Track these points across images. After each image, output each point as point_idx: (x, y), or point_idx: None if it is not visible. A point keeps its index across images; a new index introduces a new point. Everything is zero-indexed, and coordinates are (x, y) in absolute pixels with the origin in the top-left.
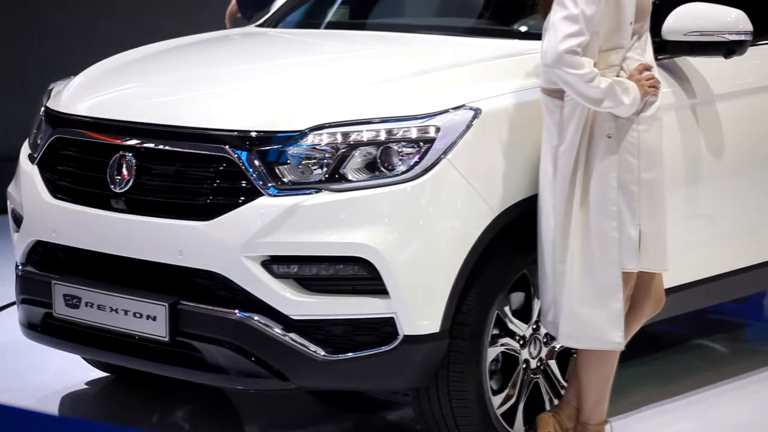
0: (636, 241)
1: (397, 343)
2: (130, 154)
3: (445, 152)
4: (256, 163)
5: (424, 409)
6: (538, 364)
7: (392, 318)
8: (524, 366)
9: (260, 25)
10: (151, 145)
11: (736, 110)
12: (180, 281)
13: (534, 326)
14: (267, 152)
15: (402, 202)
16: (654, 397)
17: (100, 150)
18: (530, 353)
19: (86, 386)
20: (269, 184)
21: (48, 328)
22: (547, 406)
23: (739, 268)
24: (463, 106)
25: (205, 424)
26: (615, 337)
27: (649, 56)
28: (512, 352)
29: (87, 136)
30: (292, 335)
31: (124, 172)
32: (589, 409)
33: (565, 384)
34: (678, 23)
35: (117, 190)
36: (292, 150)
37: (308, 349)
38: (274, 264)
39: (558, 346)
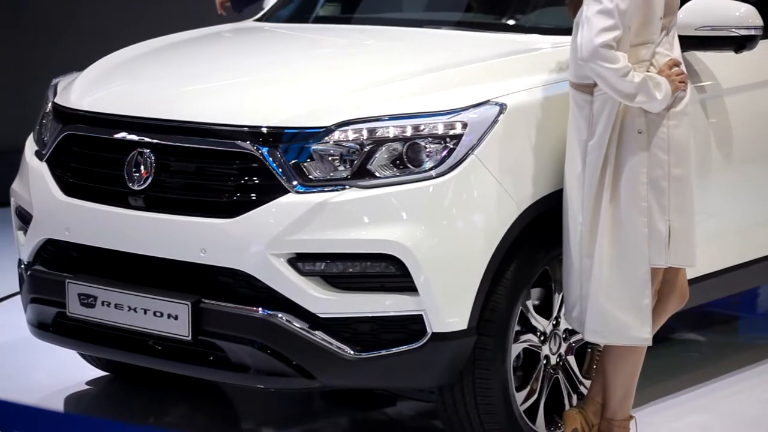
0: (666, 236)
1: (425, 340)
2: (149, 151)
3: (473, 148)
4: (282, 159)
5: (447, 408)
6: (558, 360)
7: (421, 315)
8: (544, 362)
9: (258, 20)
10: (172, 142)
11: (745, 103)
12: (201, 279)
13: (554, 322)
14: (293, 148)
15: (430, 198)
16: (660, 391)
17: (116, 147)
18: (550, 349)
19: (86, 383)
20: (295, 181)
21: (60, 328)
22: (566, 402)
23: (748, 261)
24: (488, 101)
25: (204, 422)
26: (643, 333)
27: (677, 51)
28: (534, 349)
29: (102, 133)
30: (319, 333)
31: (143, 169)
32: (615, 405)
33: (582, 380)
34: (689, 18)
35: (135, 188)
36: (318, 146)
37: (336, 347)
38: (300, 261)
39: (575, 342)
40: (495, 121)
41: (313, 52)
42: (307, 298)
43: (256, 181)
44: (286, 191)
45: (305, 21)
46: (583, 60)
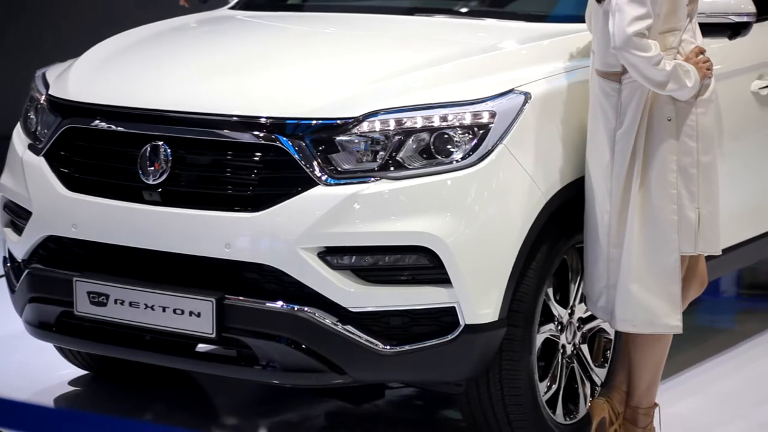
0: (695, 224)
1: (457, 333)
2: (164, 144)
3: (501, 137)
4: (310, 151)
5: (471, 400)
6: (572, 349)
7: (453, 307)
8: (561, 352)
9: (232, 8)
10: (191, 135)
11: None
12: (224, 275)
13: (569, 311)
14: (321, 140)
15: (462, 189)
16: None
17: (127, 140)
18: (566, 338)
19: (72, 380)
20: (324, 173)
21: (64, 328)
22: (580, 391)
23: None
24: (512, 90)
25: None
26: (673, 321)
27: (699, 39)
28: (553, 338)
29: (111, 126)
30: (350, 328)
31: (158, 163)
32: (641, 393)
33: (594, 368)
34: None
35: (150, 182)
36: (346, 137)
37: (367, 341)
38: (330, 255)
39: (587, 331)
40: (521, 110)
41: (319, 41)
42: (338, 293)
43: (283, 174)
44: (314, 184)
45: (278, 9)
46: (616, 49)
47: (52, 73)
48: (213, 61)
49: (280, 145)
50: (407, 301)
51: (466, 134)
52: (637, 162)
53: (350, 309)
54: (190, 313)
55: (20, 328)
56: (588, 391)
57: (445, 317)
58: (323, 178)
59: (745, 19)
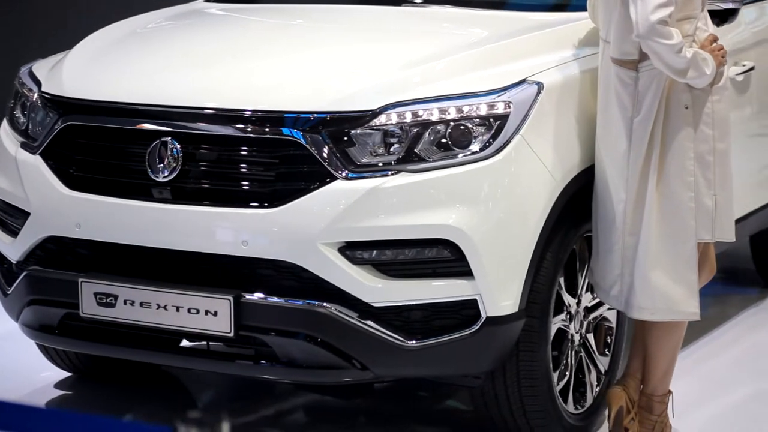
0: (712, 211)
1: (479, 325)
2: (174, 141)
3: (518, 128)
4: (327, 145)
5: (486, 392)
6: (580, 338)
7: (475, 300)
8: (571, 341)
9: (208, 0)
10: (202, 131)
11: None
12: (239, 273)
13: (576, 300)
14: (338, 133)
15: (482, 180)
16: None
17: (133, 137)
18: (574, 328)
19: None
20: (343, 167)
21: (67, 330)
22: (587, 380)
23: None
24: (525, 80)
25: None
26: (691, 308)
27: (711, 26)
28: (564, 328)
29: (115, 123)
30: (371, 323)
31: (168, 159)
32: (656, 380)
33: (599, 357)
34: None
35: (159, 179)
36: (364, 130)
37: (390, 336)
38: (351, 250)
39: (593, 319)
40: (535, 100)
41: (320, 34)
42: (360, 288)
43: (300, 169)
44: (333, 178)
45: (259, 2)
46: (640, 37)
47: (41, 68)
48: (217, 54)
49: (296, 139)
50: (429, 295)
51: (483, 126)
52: (655, 150)
53: (372, 304)
54: (206, 312)
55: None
56: (594, 380)
57: (467, 310)
58: (342, 172)
59: (731, 5)
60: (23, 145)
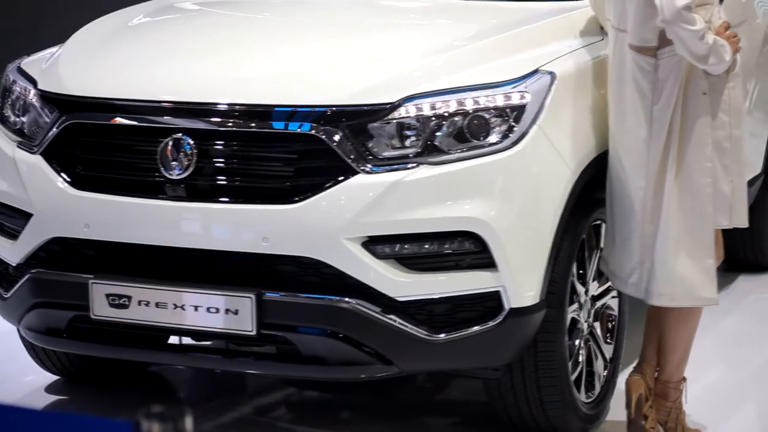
0: (729, 196)
1: (502, 317)
2: (187, 137)
3: (535, 118)
4: (347, 139)
5: (503, 384)
6: (588, 327)
7: (498, 292)
8: (581, 330)
9: None
10: (217, 127)
11: None
12: (259, 270)
13: (585, 289)
14: (357, 127)
15: (504, 171)
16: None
17: (144, 135)
18: (583, 317)
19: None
20: (364, 161)
21: (76, 333)
22: (595, 369)
23: None
24: (538, 70)
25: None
26: (710, 293)
27: (722, 13)
28: (576, 318)
29: (125, 121)
30: (396, 317)
31: (181, 157)
32: (672, 367)
33: (604, 345)
34: None
35: (173, 177)
36: (384, 123)
37: (414, 330)
38: (374, 244)
39: (599, 308)
40: (549, 90)
41: (328, 27)
42: (384, 282)
43: (320, 164)
44: (354, 172)
45: None
46: (666, 22)
47: (32, 66)
48: (227, 48)
49: (315, 134)
50: (452, 288)
51: (501, 117)
52: (674, 136)
53: (396, 298)
54: (227, 311)
55: None
56: (601, 369)
57: (489, 302)
58: (364, 166)
59: None
60: (21, 145)
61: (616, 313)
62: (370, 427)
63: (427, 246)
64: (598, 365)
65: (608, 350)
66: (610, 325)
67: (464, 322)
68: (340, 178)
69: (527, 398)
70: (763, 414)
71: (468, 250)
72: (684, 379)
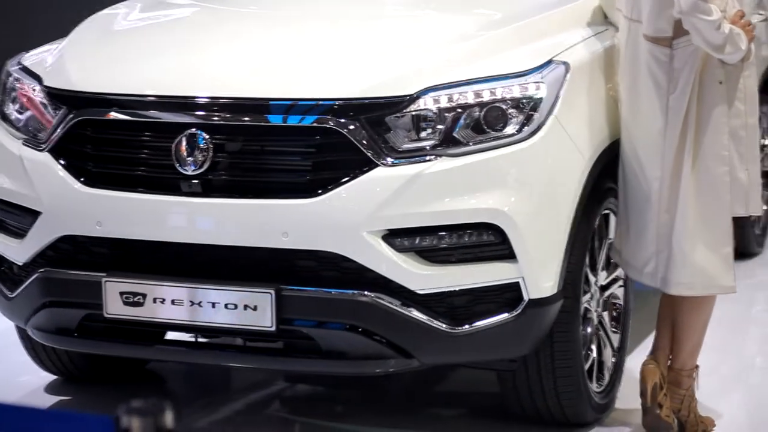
0: (745, 185)
1: (521, 308)
2: (203, 132)
3: (551, 109)
4: (366, 132)
5: (518, 376)
6: (597, 317)
7: (517, 283)
8: (592, 320)
9: None
10: (234, 122)
11: None
12: (277, 265)
13: (595, 279)
14: (376, 120)
15: (522, 162)
16: None
17: (157, 130)
18: (594, 306)
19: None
20: (384, 154)
21: (88, 332)
22: (605, 359)
23: None
24: (552, 60)
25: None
26: (728, 281)
27: (736, 2)
28: (588, 307)
29: (136, 116)
30: (418, 310)
31: (197, 152)
32: (686, 355)
33: (611, 335)
34: None
35: (189, 173)
36: (403, 116)
37: (435, 323)
38: (394, 237)
39: (606, 298)
40: (564, 80)
41: (342, 18)
42: (406, 275)
43: (339, 157)
44: (374, 165)
45: None
46: (683, 13)
47: (34, 62)
48: (240, 41)
49: (334, 127)
50: (472, 280)
51: (518, 107)
52: (691, 126)
53: (417, 291)
54: (245, 307)
55: None
56: (609, 358)
57: (509, 293)
58: (383, 159)
59: None
60: (26, 142)
61: (621, 302)
62: (368, 419)
63: (446, 238)
64: (607, 354)
65: (615, 339)
66: (615, 314)
67: (483, 314)
68: (361, 172)
69: (542, 389)
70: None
71: (488, 241)
72: (697, 366)
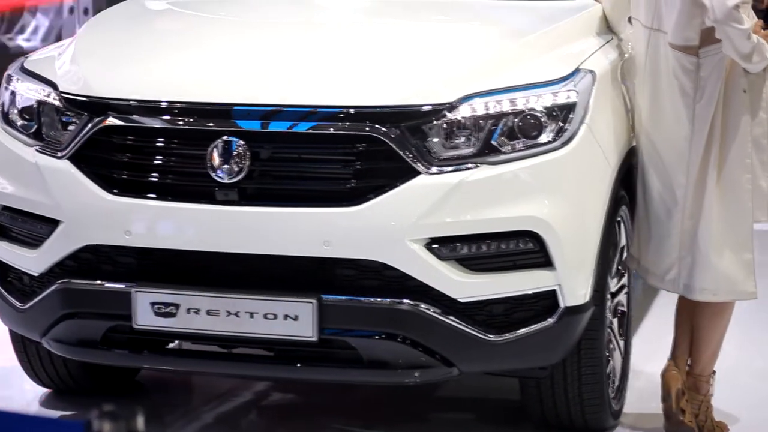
0: (766, 193)
1: (557, 316)
2: (238, 140)
3: (584, 117)
4: (407, 139)
5: (543, 383)
6: (609, 323)
7: (554, 290)
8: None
9: None
10: (272, 129)
11: None
12: (318, 274)
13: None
14: (417, 127)
15: (559, 170)
16: None
17: (191, 137)
18: (608, 313)
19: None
20: (426, 162)
21: (113, 344)
22: (617, 365)
23: None
24: (579, 69)
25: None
26: (750, 287)
27: (752, 13)
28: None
29: (168, 123)
30: (459, 319)
31: (233, 160)
32: (705, 361)
33: (619, 341)
34: None
35: (226, 181)
36: (443, 123)
37: (475, 331)
38: (436, 245)
39: (615, 304)
40: (592, 89)
41: (375, 26)
42: (448, 284)
43: (380, 165)
44: (416, 173)
45: None
46: (717, 22)
47: (41, 66)
48: (274, 46)
49: (375, 134)
50: (512, 288)
51: (552, 115)
52: (716, 134)
53: (458, 299)
54: (285, 317)
55: None
56: (618, 363)
57: (545, 301)
58: (426, 167)
59: None
60: (41, 150)
61: (625, 308)
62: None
63: (487, 246)
64: (617, 359)
65: (621, 345)
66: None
67: (521, 322)
68: (403, 180)
69: (566, 396)
70: None
71: (527, 249)
72: (714, 372)
